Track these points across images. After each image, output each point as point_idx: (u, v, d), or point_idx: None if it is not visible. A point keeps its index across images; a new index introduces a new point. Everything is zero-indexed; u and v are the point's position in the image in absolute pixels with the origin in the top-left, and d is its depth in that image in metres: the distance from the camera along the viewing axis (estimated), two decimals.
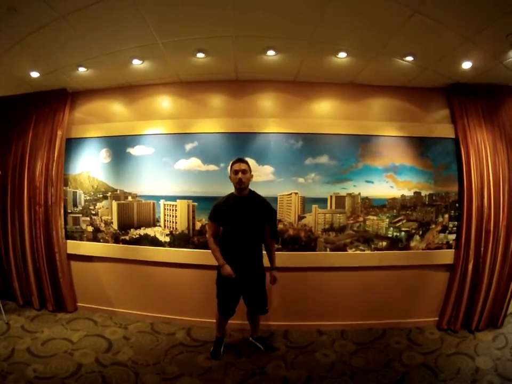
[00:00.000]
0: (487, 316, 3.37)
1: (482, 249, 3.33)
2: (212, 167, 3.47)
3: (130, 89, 3.69)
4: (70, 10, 2.32)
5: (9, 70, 3.28)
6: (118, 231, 3.68)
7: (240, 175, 2.69)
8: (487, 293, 3.35)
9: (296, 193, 3.44)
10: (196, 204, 3.51)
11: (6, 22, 2.44)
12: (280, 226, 3.38)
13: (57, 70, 3.29)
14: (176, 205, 3.53)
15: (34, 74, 3.35)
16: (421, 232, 3.50)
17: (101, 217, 3.73)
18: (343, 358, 2.94)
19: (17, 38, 2.67)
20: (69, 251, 3.77)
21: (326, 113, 3.54)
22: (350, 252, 3.46)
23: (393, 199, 3.49)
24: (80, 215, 3.79)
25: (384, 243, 3.48)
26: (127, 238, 3.65)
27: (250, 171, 2.79)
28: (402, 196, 3.50)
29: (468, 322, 3.39)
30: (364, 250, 3.46)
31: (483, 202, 3.33)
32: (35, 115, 3.80)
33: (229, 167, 2.84)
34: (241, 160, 2.79)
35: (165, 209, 3.57)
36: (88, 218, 3.77)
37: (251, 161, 2.87)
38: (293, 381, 2.63)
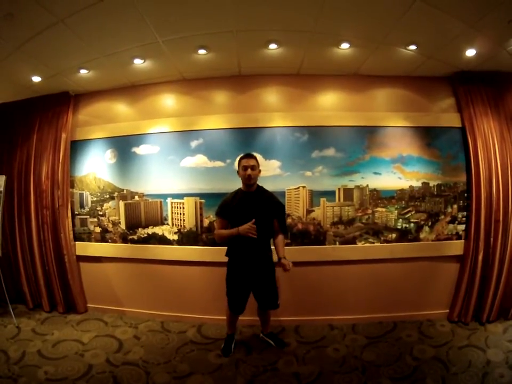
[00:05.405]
0: (498, 307, 3.33)
1: (492, 239, 3.29)
2: (218, 163, 3.45)
3: (133, 89, 3.69)
4: (68, 13, 2.32)
5: (10, 76, 3.30)
6: (125, 230, 3.68)
7: (249, 171, 2.66)
8: (498, 284, 3.31)
9: (303, 187, 3.42)
10: (203, 201, 3.49)
11: (4, 29, 2.44)
12: (288, 220, 3.36)
13: (58, 73, 3.30)
14: (183, 203, 3.52)
15: (36, 78, 3.37)
16: (430, 223, 3.47)
17: (108, 218, 3.74)
18: (354, 353, 2.92)
19: (17, 44, 2.68)
20: (78, 253, 3.78)
21: (330, 106, 3.52)
22: (359, 244, 3.44)
23: (402, 190, 3.46)
24: (88, 216, 3.80)
25: (394, 235, 3.45)
26: (135, 237, 3.65)
27: (259, 166, 2.76)
28: (411, 186, 3.46)
29: (478, 314, 3.35)
30: (373, 243, 3.44)
31: (492, 192, 3.29)
32: (38, 119, 3.82)
33: (237, 162, 2.82)
34: (249, 156, 2.75)
35: (172, 207, 3.57)
36: (95, 219, 3.77)
37: (257, 156, 2.83)
38: (305, 376, 2.61)
